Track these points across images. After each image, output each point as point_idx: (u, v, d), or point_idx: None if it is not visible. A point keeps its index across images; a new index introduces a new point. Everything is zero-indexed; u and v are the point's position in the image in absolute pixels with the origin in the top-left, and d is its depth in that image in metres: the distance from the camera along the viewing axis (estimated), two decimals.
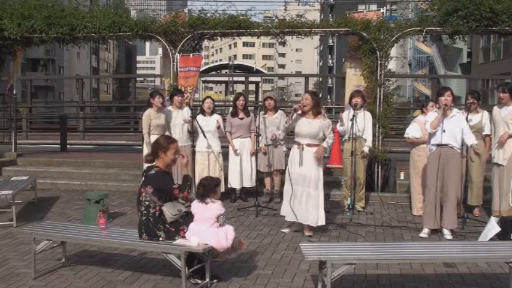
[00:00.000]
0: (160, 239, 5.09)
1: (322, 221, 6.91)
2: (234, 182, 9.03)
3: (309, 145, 6.83)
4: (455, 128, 6.85)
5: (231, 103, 9.95)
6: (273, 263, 5.89)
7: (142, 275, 5.46)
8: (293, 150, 7.01)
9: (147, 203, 5.10)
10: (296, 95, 69.12)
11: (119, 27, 10.53)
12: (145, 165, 5.53)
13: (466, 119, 7.44)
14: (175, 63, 10.35)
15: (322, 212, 6.91)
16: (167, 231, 5.07)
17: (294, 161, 6.91)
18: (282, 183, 7.90)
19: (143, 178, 5.23)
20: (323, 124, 6.82)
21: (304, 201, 6.81)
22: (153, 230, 5.09)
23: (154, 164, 5.24)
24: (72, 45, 11.74)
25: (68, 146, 13.84)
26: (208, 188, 5.14)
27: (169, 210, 5.05)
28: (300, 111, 6.82)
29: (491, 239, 6.12)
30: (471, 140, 6.96)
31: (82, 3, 11.87)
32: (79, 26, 10.55)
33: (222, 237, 5.00)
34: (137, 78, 36.72)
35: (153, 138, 8.39)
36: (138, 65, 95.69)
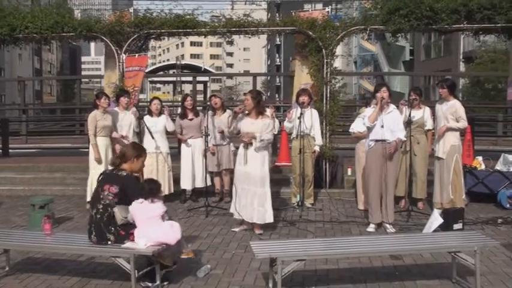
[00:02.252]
0: (109, 242, 5.02)
1: (270, 219, 6.94)
2: (186, 183, 8.97)
3: (252, 143, 6.88)
4: (393, 123, 7.02)
5: (180, 103, 9.88)
6: (224, 262, 5.89)
7: (91, 280, 5.35)
8: (239, 149, 7.05)
9: (107, 201, 5.04)
10: (245, 94, 69.23)
11: (62, 28, 10.28)
12: (108, 167, 5.44)
13: (409, 115, 7.67)
14: (121, 64, 10.19)
15: (270, 210, 6.94)
16: (117, 234, 5.01)
17: (239, 160, 6.97)
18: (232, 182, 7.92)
19: (107, 177, 5.16)
20: (264, 123, 6.87)
21: (250, 199, 6.84)
22: (103, 231, 5.02)
23: (121, 167, 5.20)
24: (13, 47, 11.37)
25: (10, 150, 13.38)
26: (155, 190, 5.13)
27: (121, 212, 5.01)
28: (246, 112, 6.88)
29: (434, 231, 6.33)
30: (400, 134, 7.11)
31: (23, 2, 11.49)
32: (19, 27, 10.24)
33: (168, 230, 4.98)
34: (82, 80, 35.91)
35: (100, 140, 8.26)
36: (83, 66, 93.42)
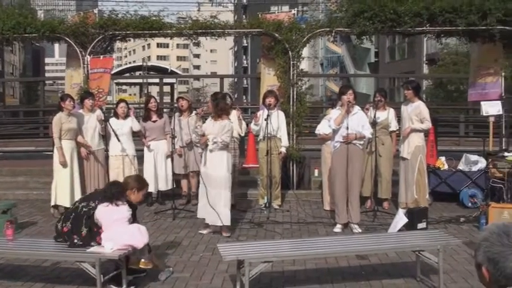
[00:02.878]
0: (78, 238, 4.98)
1: (227, 221, 6.92)
2: (149, 186, 8.87)
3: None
4: (358, 124, 7.11)
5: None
6: (191, 265, 5.87)
7: (55, 286, 5.27)
8: (205, 150, 7.07)
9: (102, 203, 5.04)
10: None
11: (24, 28, 10.04)
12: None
13: (374, 116, 7.78)
14: (86, 66, 10.04)
15: (227, 212, 6.92)
16: (90, 229, 4.99)
17: (202, 162, 7.04)
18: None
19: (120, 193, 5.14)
20: (221, 125, 6.89)
21: (212, 201, 6.84)
22: (81, 223, 5.00)
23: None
24: None
25: None
26: (118, 193, 5.09)
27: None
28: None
29: (399, 230, 6.43)
30: (366, 132, 7.20)
31: None
32: None
33: (135, 233, 4.94)
34: (46, 81, 35.22)
35: (65, 143, 8.12)
36: (46, 68, 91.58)
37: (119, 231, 4.89)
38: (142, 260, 5.15)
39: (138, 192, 5.30)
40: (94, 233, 5.00)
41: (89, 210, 5.05)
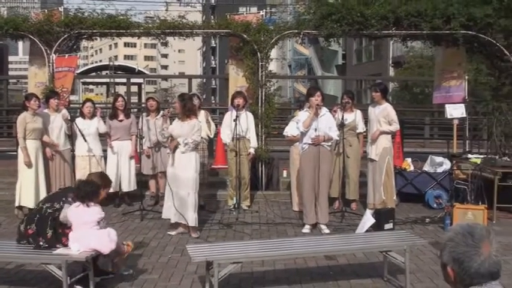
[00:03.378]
0: (43, 241, 4.88)
1: (194, 222, 6.90)
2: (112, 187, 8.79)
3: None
4: (326, 126, 7.17)
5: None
6: (160, 266, 5.82)
7: None
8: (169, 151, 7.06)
9: (66, 204, 4.92)
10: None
11: None
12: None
13: (342, 117, 7.86)
14: (51, 64, 9.86)
15: (194, 213, 6.90)
16: (54, 230, 4.89)
17: (169, 162, 7.00)
18: None
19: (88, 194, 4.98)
20: (190, 125, 6.88)
21: (178, 202, 6.82)
22: (45, 225, 4.90)
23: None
24: None
25: None
26: (91, 192, 4.98)
27: (64, 211, 4.91)
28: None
29: (367, 231, 6.52)
30: (334, 134, 7.27)
31: None
32: None
33: (104, 239, 4.87)
34: (10, 80, 34.39)
35: (30, 143, 7.96)
36: (10, 66, 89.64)
37: (87, 233, 4.81)
38: (123, 251, 5.21)
39: (103, 190, 5.22)
40: (59, 234, 4.90)
41: (54, 211, 4.95)
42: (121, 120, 8.85)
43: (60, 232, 4.91)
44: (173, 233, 7.09)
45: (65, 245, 4.84)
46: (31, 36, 9.93)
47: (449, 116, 9.77)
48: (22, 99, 8.95)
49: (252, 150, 8.55)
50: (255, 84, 9.87)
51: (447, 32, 9.37)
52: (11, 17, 10.32)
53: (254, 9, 36.83)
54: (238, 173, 8.27)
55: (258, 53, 9.80)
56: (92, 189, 4.99)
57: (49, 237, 4.89)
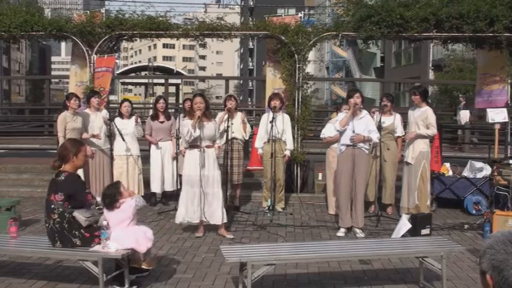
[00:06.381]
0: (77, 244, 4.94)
1: (219, 220, 6.96)
2: (156, 187, 8.93)
3: (207, 147, 6.97)
4: (364, 129, 7.09)
5: (151, 105, 9.81)
6: (193, 266, 5.86)
7: (58, 284, 5.26)
8: (192, 153, 6.97)
9: (60, 209, 4.92)
10: (217, 98, 69.10)
11: (31, 26, 10.08)
12: None
13: (380, 120, 7.76)
14: (92, 65, 10.06)
15: (223, 211, 6.98)
16: (82, 237, 4.93)
17: (196, 164, 6.91)
18: None
19: (51, 185, 5.03)
20: (215, 126, 7.06)
21: (203, 201, 6.87)
22: (68, 237, 4.92)
23: (62, 169, 5.04)
24: None
25: None
26: (113, 195, 5.01)
27: (82, 214, 4.91)
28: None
29: (403, 236, 6.41)
30: (374, 136, 7.15)
31: None
32: None
33: (140, 236, 4.92)
34: (52, 80, 35.33)
35: None
36: (53, 66, 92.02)
37: (125, 232, 4.88)
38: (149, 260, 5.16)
39: (78, 155, 5.04)
40: (88, 238, 4.92)
41: (61, 224, 4.91)
42: (162, 122, 8.97)
43: (89, 236, 4.95)
44: (200, 234, 7.11)
45: (97, 242, 4.90)
46: (73, 37, 10.16)
47: (490, 121, 9.55)
48: (63, 98, 9.14)
49: (287, 153, 8.53)
50: (291, 86, 9.85)
51: (490, 34, 9.15)
52: (54, 18, 10.58)
53: (292, 11, 36.79)
54: (273, 175, 8.26)
55: (296, 55, 9.78)
56: (110, 192, 5.03)
57: (79, 245, 4.95)
